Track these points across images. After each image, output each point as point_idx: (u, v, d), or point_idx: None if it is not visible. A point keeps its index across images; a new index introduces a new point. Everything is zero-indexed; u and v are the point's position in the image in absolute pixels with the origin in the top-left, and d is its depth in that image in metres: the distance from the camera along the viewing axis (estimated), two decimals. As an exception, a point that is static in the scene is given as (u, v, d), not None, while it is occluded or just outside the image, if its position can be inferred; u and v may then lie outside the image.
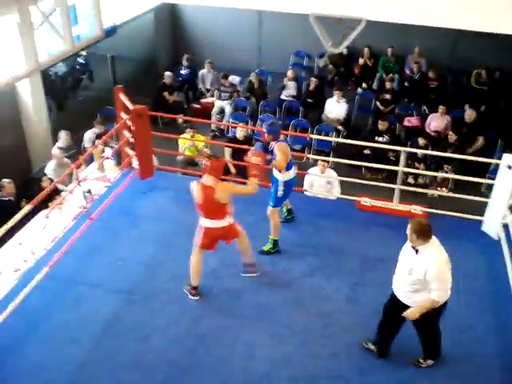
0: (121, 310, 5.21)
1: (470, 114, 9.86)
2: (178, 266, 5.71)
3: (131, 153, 7.15)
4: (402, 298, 4.38)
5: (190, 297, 5.36)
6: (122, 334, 4.96)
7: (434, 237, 4.21)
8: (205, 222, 5.17)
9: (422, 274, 4.11)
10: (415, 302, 4.28)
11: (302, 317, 5.17)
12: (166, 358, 4.73)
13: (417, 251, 4.20)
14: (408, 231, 4.19)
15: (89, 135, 8.63)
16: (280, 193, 5.83)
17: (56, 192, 6.83)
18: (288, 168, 5.74)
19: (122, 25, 10.97)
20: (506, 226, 6.05)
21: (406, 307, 4.33)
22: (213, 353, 4.80)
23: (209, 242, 5.22)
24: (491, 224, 6.23)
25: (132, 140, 7.00)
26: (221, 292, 5.47)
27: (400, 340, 4.68)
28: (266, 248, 5.98)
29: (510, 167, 5.74)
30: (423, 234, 4.11)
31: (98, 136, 8.39)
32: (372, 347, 4.78)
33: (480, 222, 6.44)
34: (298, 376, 4.60)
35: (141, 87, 10.95)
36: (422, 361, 4.70)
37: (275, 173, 5.87)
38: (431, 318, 4.37)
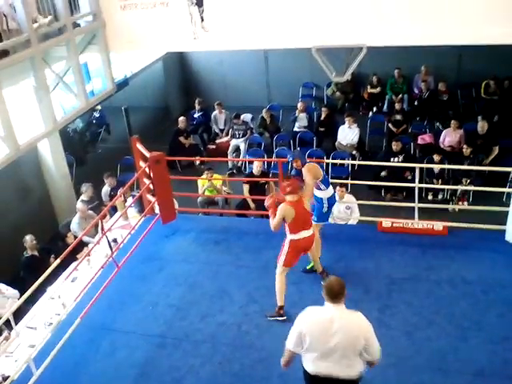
0: (154, 354, 5.28)
1: (482, 126, 9.87)
2: (207, 305, 5.81)
3: (152, 199, 7.33)
4: None
5: (278, 318, 5.45)
6: (157, 377, 5.02)
7: (348, 313, 3.80)
8: (298, 235, 5.38)
9: None
10: None
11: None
12: (202, 398, 4.78)
13: None
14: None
15: (105, 189, 8.88)
16: (325, 209, 6.08)
17: (83, 244, 7.01)
18: (326, 185, 5.97)
19: (133, 76, 11.37)
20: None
21: None
22: (248, 388, 4.84)
23: (294, 257, 5.45)
24: (514, 232, 6.21)
25: (152, 186, 7.19)
26: (250, 328, 5.51)
27: None
28: (309, 266, 6.13)
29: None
30: (327, 292, 3.78)
31: (113, 189, 8.63)
32: None
33: (503, 231, 6.42)
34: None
35: (156, 134, 11.28)
36: None
37: (316, 192, 6.03)
38: None
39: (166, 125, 12.36)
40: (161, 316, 5.76)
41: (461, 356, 4.92)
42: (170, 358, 5.22)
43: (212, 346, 5.31)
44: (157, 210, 7.38)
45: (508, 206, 6.44)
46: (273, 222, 5.38)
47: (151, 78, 13.02)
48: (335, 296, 3.74)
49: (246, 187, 8.56)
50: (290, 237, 5.39)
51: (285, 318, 5.43)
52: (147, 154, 6.92)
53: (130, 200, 7.82)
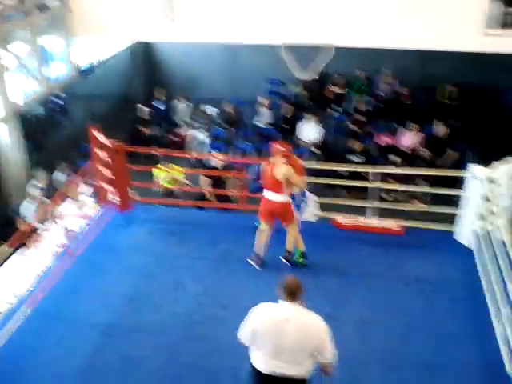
0: (105, 344, 5.21)
1: (441, 130, 10.09)
2: (160, 296, 5.78)
3: (109, 188, 7.23)
4: None
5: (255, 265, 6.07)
6: (106, 367, 4.95)
7: (300, 312, 3.81)
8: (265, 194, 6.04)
9: None
10: None
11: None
12: (151, 389, 4.74)
13: None
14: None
15: (59, 176, 8.71)
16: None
17: (35, 231, 6.86)
18: None
19: (99, 64, 11.19)
20: (477, 234, 6.19)
21: None
22: (199, 380, 4.81)
23: (263, 213, 6.04)
24: (464, 233, 6.38)
25: (110, 175, 7.09)
26: (204, 319, 5.51)
27: None
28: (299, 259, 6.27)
29: (476, 177, 5.91)
30: (284, 291, 3.80)
31: (68, 177, 8.49)
32: None
33: (454, 232, 6.59)
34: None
35: (118, 123, 11.10)
36: None
37: None
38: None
39: (128, 114, 12.19)
40: (113, 306, 5.68)
41: (408, 351, 5.04)
42: (121, 348, 5.16)
43: (164, 337, 5.27)
44: (114, 200, 7.28)
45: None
46: None
47: (117, 67, 12.80)
48: (292, 294, 3.75)
49: (206, 180, 8.52)
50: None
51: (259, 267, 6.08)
52: (106, 143, 6.82)
53: (85, 188, 7.69)
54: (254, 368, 3.92)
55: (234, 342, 5.11)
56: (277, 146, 5.89)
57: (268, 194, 5.92)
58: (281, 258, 6.18)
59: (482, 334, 5.17)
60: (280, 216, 6.00)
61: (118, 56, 12.33)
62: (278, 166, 5.77)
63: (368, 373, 4.83)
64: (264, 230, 6.07)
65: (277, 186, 5.80)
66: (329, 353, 3.77)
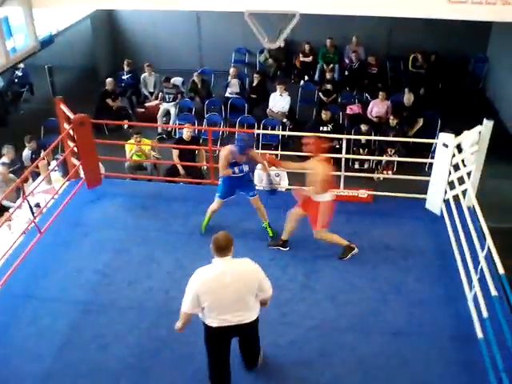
0: (79, 321, 5.17)
1: (408, 98, 10.18)
2: (134, 271, 5.75)
3: (77, 162, 7.09)
4: None
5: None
6: (81, 344, 4.93)
7: (237, 263, 4.03)
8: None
9: None
10: None
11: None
12: (128, 363, 4.73)
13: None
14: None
15: (26, 152, 8.51)
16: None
17: (3, 209, 6.71)
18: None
19: (58, 34, 10.83)
20: (447, 202, 6.31)
21: None
22: (176, 352, 4.84)
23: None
24: (434, 201, 6.49)
25: (76, 149, 6.95)
26: (178, 293, 5.49)
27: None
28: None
29: (445, 145, 5.98)
30: (215, 247, 3.93)
31: (34, 152, 8.28)
32: None
33: (424, 200, 6.69)
34: (261, 366, 4.68)
35: (83, 96, 10.84)
36: None
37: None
38: (205, 344, 4.25)
39: (92, 86, 11.90)
40: (86, 283, 5.63)
41: (381, 318, 5.16)
42: (96, 324, 5.13)
43: (139, 312, 5.26)
44: (82, 175, 7.15)
45: (429, 175, 6.71)
46: None
47: (78, 37, 12.43)
48: (223, 250, 3.91)
49: (175, 152, 8.44)
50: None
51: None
52: (71, 116, 6.66)
53: (53, 163, 7.53)
54: (208, 329, 4.11)
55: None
56: (319, 143, 5.60)
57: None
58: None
59: (453, 300, 5.30)
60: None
61: (78, 25, 11.95)
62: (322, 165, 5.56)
63: (342, 339, 4.93)
64: None
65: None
66: (268, 287, 4.11)
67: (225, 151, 5.84)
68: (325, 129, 9.55)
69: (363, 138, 9.14)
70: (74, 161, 7.14)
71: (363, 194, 6.85)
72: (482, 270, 4.89)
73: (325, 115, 9.67)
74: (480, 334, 4.76)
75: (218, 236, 3.97)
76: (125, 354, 4.82)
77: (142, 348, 4.88)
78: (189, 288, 3.98)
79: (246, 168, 5.88)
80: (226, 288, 3.91)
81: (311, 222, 5.77)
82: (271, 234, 6.22)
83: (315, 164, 5.53)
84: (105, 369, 4.70)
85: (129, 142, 8.42)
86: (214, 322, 4.04)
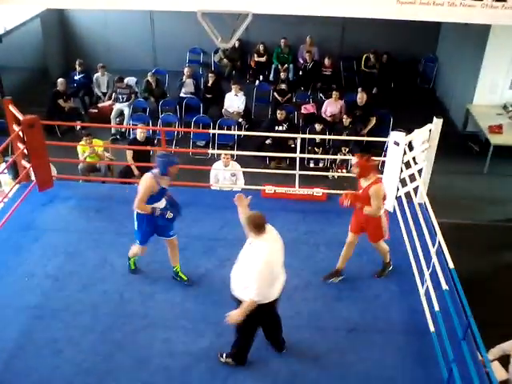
0: (31, 327, 5.05)
1: (361, 97, 10.34)
2: (87, 274, 5.65)
3: (27, 165, 6.91)
4: (240, 295, 4.26)
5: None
6: (34, 351, 4.81)
7: (271, 230, 4.26)
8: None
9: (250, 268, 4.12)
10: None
11: (216, 308, 5.22)
12: (82, 368, 4.65)
13: (250, 244, 4.25)
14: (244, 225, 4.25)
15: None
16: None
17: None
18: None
19: (6, 33, 10.55)
20: (399, 199, 6.43)
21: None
22: (131, 356, 4.78)
23: None
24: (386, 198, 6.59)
25: (26, 151, 6.77)
26: (133, 295, 5.44)
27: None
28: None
29: (396, 143, 6.10)
30: (255, 226, 4.11)
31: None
32: (228, 360, 4.66)
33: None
34: (217, 366, 4.68)
35: (34, 97, 10.60)
36: (224, 355, 4.65)
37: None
38: (250, 322, 4.27)
39: (43, 87, 11.62)
40: (38, 287, 5.49)
41: (336, 314, 5.24)
42: (48, 330, 5.02)
43: (93, 316, 5.17)
44: (33, 177, 6.97)
45: (382, 172, 6.83)
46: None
47: (28, 37, 12.11)
48: (263, 225, 4.15)
49: (129, 153, 8.32)
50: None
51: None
52: (21, 117, 6.49)
53: (2, 166, 7.31)
54: (267, 305, 4.24)
55: (164, 315, 5.17)
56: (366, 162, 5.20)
57: None
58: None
59: (406, 295, 5.43)
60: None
61: (27, 25, 11.64)
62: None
63: (298, 337, 4.96)
64: None
65: None
66: (252, 290, 4.19)
67: (145, 179, 4.99)
68: (280, 128, 9.61)
69: (318, 137, 9.24)
70: (25, 163, 6.96)
71: (318, 192, 6.91)
72: (433, 264, 5.00)
73: (280, 115, 9.73)
74: (432, 328, 4.88)
75: (253, 216, 4.17)
76: (79, 359, 4.73)
77: (97, 352, 4.80)
78: (262, 272, 4.06)
79: (170, 215, 5.12)
80: (279, 254, 4.25)
81: (372, 237, 5.51)
82: (186, 279, 5.55)
83: (374, 189, 5.12)
84: (58, 375, 4.60)
85: (80, 143, 8.25)
86: (274, 294, 4.24)
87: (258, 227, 4.11)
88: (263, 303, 4.18)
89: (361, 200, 5.25)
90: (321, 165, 9.49)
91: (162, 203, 5.18)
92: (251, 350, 4.63)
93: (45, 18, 12.38)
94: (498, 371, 5.24)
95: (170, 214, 5.13)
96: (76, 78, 11.67)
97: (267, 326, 4.58)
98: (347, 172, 8.96)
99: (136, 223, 5.25)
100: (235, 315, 4.20)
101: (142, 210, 5.10)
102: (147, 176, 5.02)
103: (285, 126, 9.65)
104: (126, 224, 6.44)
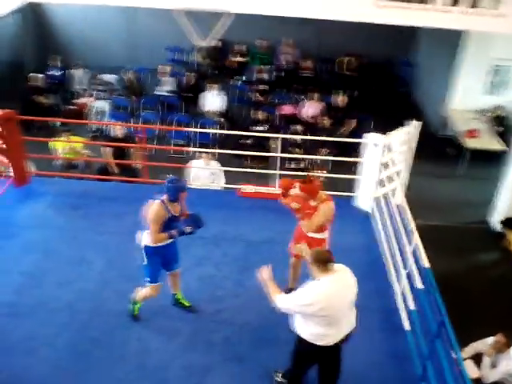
0: (5, 325, 4.98)
1: (341, 99, 10.41)
2: (64, 272, 5.60)
3: (3, 160, 6.82)
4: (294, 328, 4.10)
5: None
6: (8, 349, 4.74)
7: (342, 271, 3.92)
8: None
9: None
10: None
11: (193, 306, 5.25)
12: (58, 367, 4.60)
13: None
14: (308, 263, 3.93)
15: None
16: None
17: None
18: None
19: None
20: (377, 200, 6.51)
21: None
22: (107, 354, 4.75)
23: None
24: (363, 199, 6.68)
25: (3, 147, 6.68)
26: (110, 294, 5.41)
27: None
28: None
29: (375, 145, 6.18)
30: (318, 261, 3.82)
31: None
32: (283, 381, 4.54)
33: (353, 198, 6.89)
34: (193, 363, 4.69)
35: (9, 92, 10.41)
36: (279, 375, 4.55)
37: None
38: (302, 358, 4.19)
39: (20, 82, 11.46)
40: (12, 284, 5.43)
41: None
42: (23, 328, 4.96)
43: (69, 314, 5.13)
44: (8, 173, 6.89)
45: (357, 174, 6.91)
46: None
47: (5, 31, 11.93)
48: (329, 261, 3.82)
49: (108, 150, 8.24)
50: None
51: None
52: (-4, 112, 6.41)
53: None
54: (322, 348, 3.92)
55: (140, 313, 5.13)
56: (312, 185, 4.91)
57: None
58: None
59: (382, 294, 5.49)
60: None
61: (4, 19, 11.47)
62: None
63: (274, 335, 4.98)
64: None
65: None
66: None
67: (155, 209, 4.51)
68: (259, 128, 9.64)
69: (299, 137, 9.30)
70: (1, 158, 6.86)
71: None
72: (409, 264, 5.08)
73: (260, 115, 9.76)
74: (407, 326, 4.95)
75: (317, 251, 3.92)
76: (54, 357, 4.68)
77: (73, 350, 4.76)
78: (305, 309, 3.77)
79: (188, 229, 4.64)
80: (344, 299, 3.85)
81: None
82: (188, 305, 5.26)
83: (321, 208, 4.87)
84: (32, 374, 4.54)
85: (57, 139, 8.16)
86: (331, 337, 3.91)
87: (322, 263, 3.79)
88: (317, 344, 3.91)
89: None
90: (301, 165, 9.54)
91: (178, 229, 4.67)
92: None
93: (23, 13, 12.21)
94: (471, 369, 5.35)
95: (187, 229, 4.64)
96: (53, 73, 11.54)
97: (322, 367, 4.27)
98: (327, 173, 9.03)
99: (146, 259, 4.72)
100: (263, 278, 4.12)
101: (159, 242, 4.61)
102: (155, 205, 4.53)
103: (265, 127, 9.67)
104: (102, 222, 6.45)
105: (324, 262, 3.79)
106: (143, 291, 4.93)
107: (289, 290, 5.27)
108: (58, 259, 5.81)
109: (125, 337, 4.92)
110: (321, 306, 3.71)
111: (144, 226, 4.67)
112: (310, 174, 5.14)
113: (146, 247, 4.68)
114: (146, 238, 4.68)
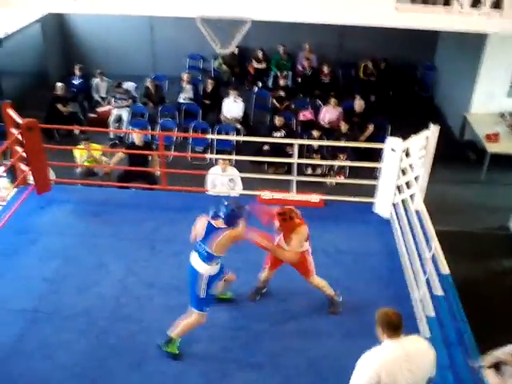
0: (24, 331, 5.04)
1: (359, 104, 10.37)
2: (83, 278, 5.65)
3: (25, 168, 6.93)
4: None
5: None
6: (27, 354, 4.80)
7: (413, 342, 3.50)
8: None
9: None
10: None
11: (212, 312, 5.23)
12: (75, 373, 4.63)
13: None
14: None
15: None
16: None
17: None
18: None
19: (7, 37, 10.62)
20: (396, 205, 6.46)
21: None
22: (125, 361, 4.77)
23: None
24: (382, 204, 6.63)
25: (25, 155, 6.79)
26: (129, 300, 5.44)
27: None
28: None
29: (393, 150, 6.14)
30: (385, 324, 3.42)
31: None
32: None
33: (372, 204, 6.84)
34: (211, 370, 4.69)
35: (33, 101, 10.64)
36: None
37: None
38: None
39: (42, 91, 11.65)
40: (33, 290, 5.49)
41: (331, 320, 5.24)
42: (42, 333, 5.01)
43: (88, 320, 5.17)
44: (31, 181, 7.00)
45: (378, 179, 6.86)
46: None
47: (28, 41, 12.16)
48: (398, 328, 3.39)
49: (118, 156, 8.27)
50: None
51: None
52: (19, 121, 6.52)
53: (0, 169, 7.33)
54: None
55: (160, 319, 5.16)
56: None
57: None
58: None
59: (401, 300, 5.39)
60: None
61: (28, 29, 11.71)
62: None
63: (292, 342, 4.97)
64: None
65: None
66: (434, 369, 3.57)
67: (236, 231, 4.50)
68: (278, 134, 9.64)
69: (316, 143, 9.27)
70: (23, 167, 6.98)
71: (315, 198, 6.93)
72: (428, 271, 5.02)
73: (278, 121, 9.76)
74: (427, 333, 4.88)
75: (387, 312, 3.41)
76: (71, 364, 4.71)
77: (90, 357, 4.79)
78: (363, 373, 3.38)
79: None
80: (409, 373, 3.35)
81: (302, 273, 5.23)
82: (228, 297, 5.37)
83: (296, 234, 4.91)
84: (48, 380, 4.58)
85: (77, 147, 8.27)
86: None
87: (389, 327, 3.37)
88: None
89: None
90: (319, 171, 9.51)
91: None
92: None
93: (45, 23, 12.45)
94: (492, 378, 5.25)
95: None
96: (75, 82, 11.70)
97: None
98: (345, 178, 9.00)
99: (205, 288, 4.51)
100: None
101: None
102: (240, 227, 4.53)
103: (283, 133, 9.68)
104: (122, 228, 6.49)
105: (390, 325, 3.37)
106: (189, 321, 4.67)
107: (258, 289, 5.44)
108: (78, 265, 5.87)
109: (142, 344, 4.94)
110: (382, 375, 3.27)
111: (201, 252, 4.54)
112: (288, 209, 5.01)
113: (210, 276, 4.52)
114: (207, 268, 4.51)
